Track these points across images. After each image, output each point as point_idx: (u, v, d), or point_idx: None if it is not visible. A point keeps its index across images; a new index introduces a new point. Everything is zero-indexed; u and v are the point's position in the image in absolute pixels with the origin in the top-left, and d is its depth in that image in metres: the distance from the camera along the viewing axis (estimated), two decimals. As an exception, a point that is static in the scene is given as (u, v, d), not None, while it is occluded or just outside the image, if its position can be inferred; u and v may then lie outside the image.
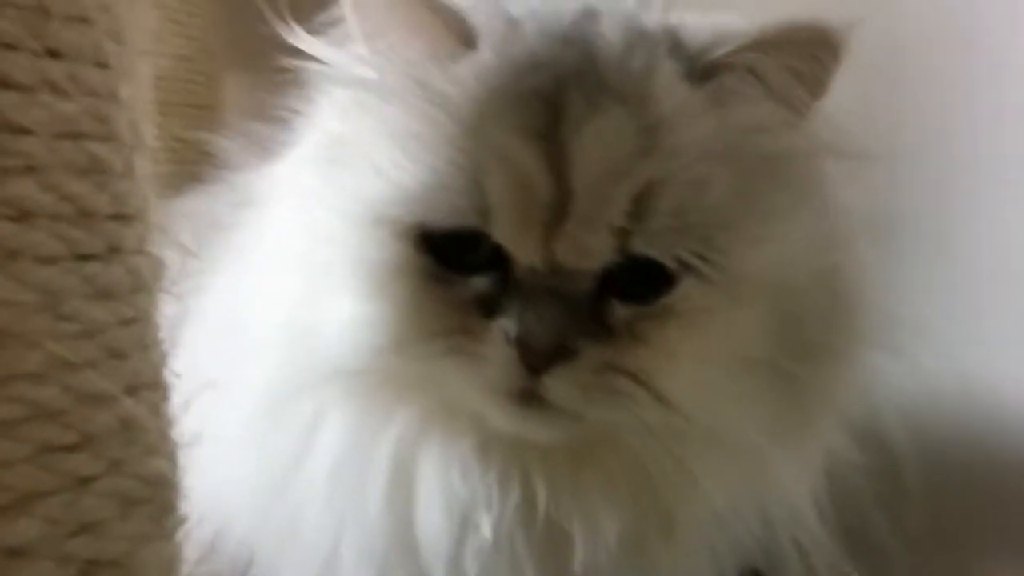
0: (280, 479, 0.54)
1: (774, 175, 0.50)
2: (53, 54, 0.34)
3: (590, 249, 0.47)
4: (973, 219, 0.77)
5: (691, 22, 0.53)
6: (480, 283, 0.49)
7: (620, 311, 0.48)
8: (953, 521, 0.74)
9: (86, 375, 0.36)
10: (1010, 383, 0.74)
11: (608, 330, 0.48)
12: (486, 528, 0.50)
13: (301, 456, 0.54)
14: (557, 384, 0.47)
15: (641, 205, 0.46)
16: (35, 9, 0.33)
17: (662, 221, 0.47)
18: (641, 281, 0.48)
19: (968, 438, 0.76)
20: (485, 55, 0.49)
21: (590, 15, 0.52)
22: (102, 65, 0.36)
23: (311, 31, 0.53)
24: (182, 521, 0.42)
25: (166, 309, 0.42)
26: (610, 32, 0.50)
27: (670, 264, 0.47)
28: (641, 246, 0.47)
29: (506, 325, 0.47)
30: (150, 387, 0.40)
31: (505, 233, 0.48)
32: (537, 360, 0.47)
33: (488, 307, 0.48)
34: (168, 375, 0.42)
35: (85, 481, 0.36)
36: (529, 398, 0.47)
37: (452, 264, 0.49)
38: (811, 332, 0.50)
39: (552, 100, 0.47)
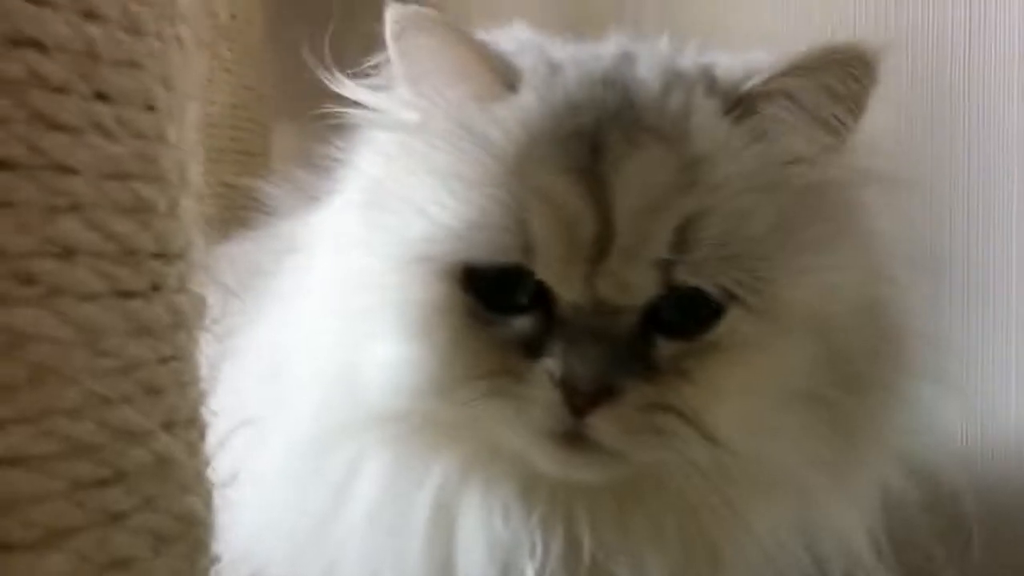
0: (318, 524, 0.54)
1: (816, 205, 0.50)
2: (102, 97, 0.35)
3: (633, 284, 0.47)
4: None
5: (724, 60, 0.53)
6: (523, 324, 0.49)
7: (664, 348, 0.48)
8: (1013, 559, 0.72)
9: (122, 411, 0.36)
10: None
11: (653, 368, 0.48)
12: (530, 574, 0.50)
13: (340, 502, 0.54)
14: (602, 425, 0.47)
15: (683, 237, 0.47)
16: (85, 54, 0.34)
17: (705, 252, 0.47)
18: (685, 316, 0.48)
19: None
20: (527, 97, 0.51)
21: (627, 58, 0.53)
22: (150, 108, 0.37)
23: (355, 75, 0.54)
24: (215, 561, 0.42)
25: (207, 348, 0.43)
26: (647, 74, 0.52)
27: (714, 292, 0.47)
28: (685, 276, 0.47)
29: (550, 366, 0.47)
30: (187, 424, 0.40)
31: (548, 270, 0.48)
32: (582, 401, 0.46)
33: (531, 348, 0.48)
34: (206, 413, 0.42)
35: (117, 517, 0.36)
36: (574, 439, 0.47)
37: (494, 305, 0.49)
38: (857, 364, 0.50)
39: (592, 139, 0.48)
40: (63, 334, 0.34)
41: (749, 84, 0.50)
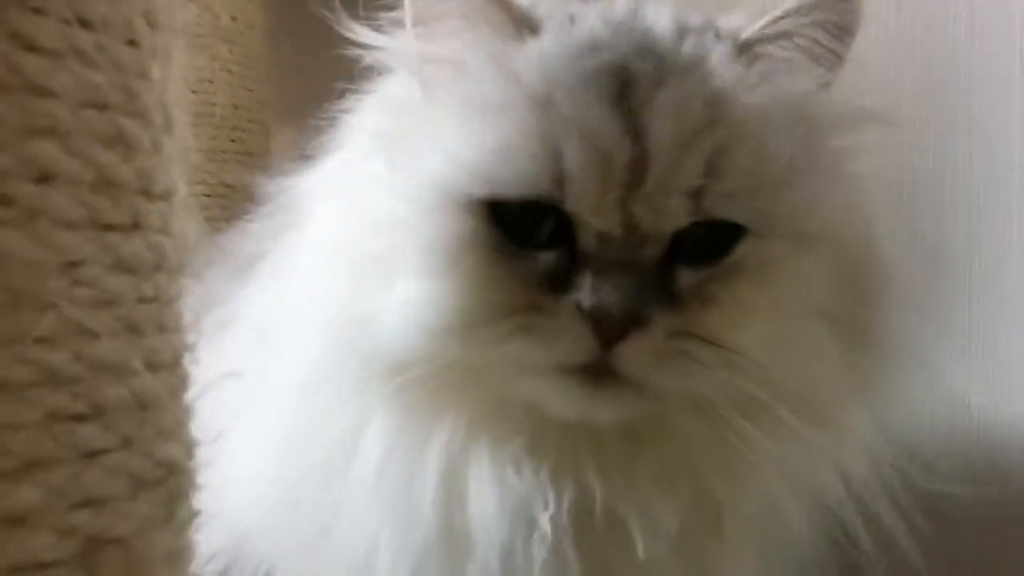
0: (317, 482, 0.53)
1: (820, 135, 0.53)
2: (83, 23, 0.34)
3: (669, 210, 0.49)
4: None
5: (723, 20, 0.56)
6: (547, 258, 0.49)
7: (686, 277, 0.50)
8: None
9: (100, 344, 0.35)
10: None
11: (677, 296, 0.49)
12: (545, 523, 0.50)
13: (343, 460, 0.53)
14: (630, 354, 0.48)
15: (714, 167, 0.49)
16: (64, -26, 0.34)
17: (732, 181, 0.49)
18: (706, 243, 0.50)
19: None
20: (550, 40, 0.52)
21: (639, 11, 0.56)
22: (132, 43, 0.37)
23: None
24: (194, 514, 0.41)
25: (190, 295, 0.42)
26: (660, 23, 0.54)
27: (744, 222, 0.49)
28: (715, 207, 0.49)
29: (578, 297, 0.48)
30: (168, 369, 0.39)
31: (582, 199, 0.49)
32: (612, 330, 0.47)
33: (556, 283, 0.49)
34: (189, 362, 0.41)
35: (93, 454, 0.35)
36: (599, 375, 0.48)
37: (519, 239, 0.50)
38: (865, 287, 0.53)
39: (620, 74, 0.50)
40: (40, 258, 0.33)
41: (752, 29, 0.53)
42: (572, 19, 0.54)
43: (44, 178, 0.34)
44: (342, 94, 0.58)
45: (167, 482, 0.39)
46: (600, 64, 0.50)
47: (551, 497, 0.51)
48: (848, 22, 0.54)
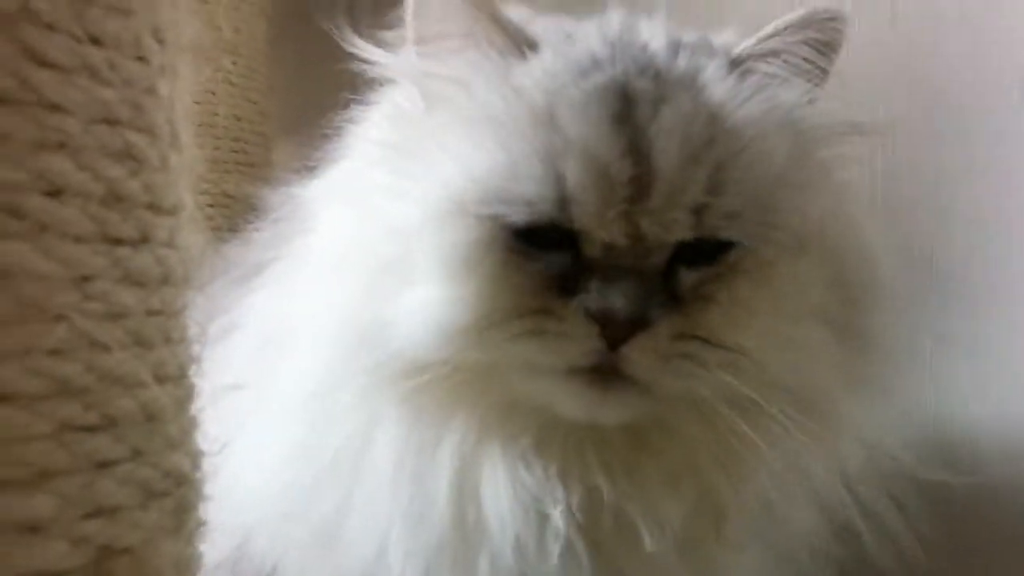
0: (327, 484, 0.54)
1: (809, 146, 0.54)
2: (93, 40, 0.35)
3: (675, 224, 0.50)
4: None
5: (714, 36, 0.58)
6: (557, 260, 0.51)
7: (687, 278, 0.51)
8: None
9: (110, 357, 0.36)
10: None
11: (677, 299, 0.51)
12: (557, 519, 0.52)
13: (353, 462, 0.54)
14: (636, 355, 0.49)
15: (715, 182, 0.50)
16: (78, -7, 0.34)
17: (733, 200, 0.50)
18: (706, 246, 0.51)
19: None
20: (549, 57, 0.53)
21: (634, 27, 0.57)
22: (141, 59, 0.38)
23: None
24: (201, 523, 0.41)
25: (196, 309, 0.43)
26: (655, 39, 0.55)
27: (743, 240, 0.51)
28: (718, 228, 0.51)
29: (586, 300, 0.49)
30: (175, 381, 0.40)
31: (586, 216, 0.50)
32: (619, 332, 0.49)
33: (565, 286, 0.50)
34: (196, 375, 0.42)
35: (104, 464, 0.36)
36: (606, 376, 0.49)
37: (530, 240, 0.51)
38: (855, 290, 0.54)
39: (621, 92, 0.51)
40: (50, 271, 0.34)
41: (743, 46, 0.55)
42: (570, 37, 0.55)
43: (54, 192, 0.34)
44: (346, 104, 0.59)
45: (175, 492, 0.39)
46: (601, 83, 0.51)
47: (561, 495, 0.52)
48: (833, 39, 0.56)
